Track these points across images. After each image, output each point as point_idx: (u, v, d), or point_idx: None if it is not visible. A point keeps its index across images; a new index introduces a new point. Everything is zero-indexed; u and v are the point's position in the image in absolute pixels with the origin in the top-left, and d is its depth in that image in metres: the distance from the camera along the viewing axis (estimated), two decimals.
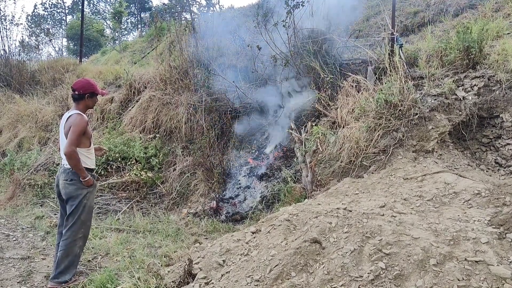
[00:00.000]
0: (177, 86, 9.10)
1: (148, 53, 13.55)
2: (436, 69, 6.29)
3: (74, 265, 4.48)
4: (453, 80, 6.03)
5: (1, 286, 4.28)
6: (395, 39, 6.55)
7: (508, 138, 5.67)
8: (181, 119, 8.54)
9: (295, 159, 6.61)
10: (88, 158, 4.60)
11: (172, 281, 3.99)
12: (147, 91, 9.73)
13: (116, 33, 27.63)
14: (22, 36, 29.30)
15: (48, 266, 5.09)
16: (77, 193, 4.46)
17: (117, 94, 10.59)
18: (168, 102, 8.92)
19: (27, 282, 4.64)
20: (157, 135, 8.87)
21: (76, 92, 4.53)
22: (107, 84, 11.50)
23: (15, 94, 12.49)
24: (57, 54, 20.39)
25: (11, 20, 14.38)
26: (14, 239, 6.20)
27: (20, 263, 5.20)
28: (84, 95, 4.54)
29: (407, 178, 4.90)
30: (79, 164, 4.37)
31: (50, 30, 23.66)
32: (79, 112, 4.47)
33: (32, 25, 23.49)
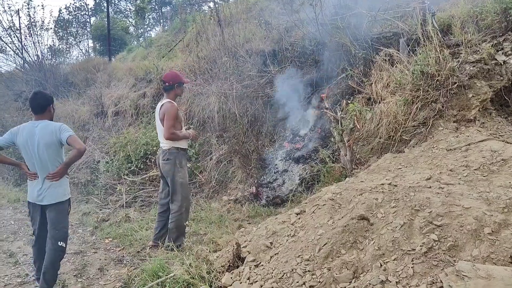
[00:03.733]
0: (207, 76, 9.15)
1: (174, 46, 13.64)
2: (472, 35, 6.04)
3: (182, 233, 5.28)
4: (492, 45, 5.78)
5: (59, 279, 4.45)
6: (427, 8, 6.33)
7: None
8: (213, 108, 8.59)
9: (331, 139, 6.54)
10: (181, 140, 5.29)
11: (222, 266, 4.06)
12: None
13: (140, 30, 27.93)
14: (53, 40, 30.04)
15: (100, 259, 5.28)
16: (172, 171, 5.19)
17: (149, 89, 10.76)
18: (199, 92, 8.99)
19: (82, 274, 4.83)
20: (191, 126, 8.96)
21: (167, 84, 5.25)
22: (138, 80, 11.69)
23: None
24: (84, 56, 20.82)
25: (41, 25, 14.73)
26: None
27: (73, 257, 5.42)
28: (174, 85, 5.24)
29: (450, 149, 4.78)
30: (180, 137, 5.21)
31: (78, 31, 24.13)
32: (170, 101, 5.18)
33: (59, 30, 24.02)
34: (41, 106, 4.16)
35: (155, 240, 5.37)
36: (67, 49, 16.12)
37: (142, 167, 8.65)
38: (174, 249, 4.70)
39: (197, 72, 9.39)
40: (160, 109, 5.20)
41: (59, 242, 4.18)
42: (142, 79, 11.67)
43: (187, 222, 5.32)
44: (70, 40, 20.31)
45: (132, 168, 8.73)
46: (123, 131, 10.25)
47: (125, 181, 8.38)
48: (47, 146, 4.08)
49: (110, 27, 17.82)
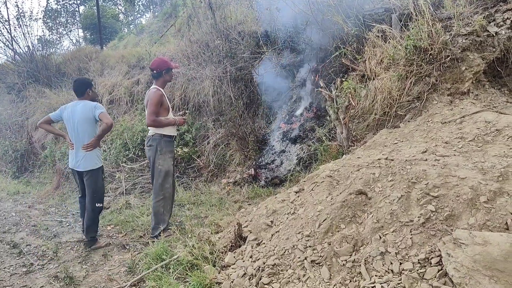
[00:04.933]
0: (200, 60, 9.11)
1: (166, 31, 13.53)
2: (464, 7, 6.02)
3: (163, 221, 5.20)
4: (484, 16, 5.77)
5: (64, 267, 4.52)
6: None
7: None
8: (208, 92, 8.58)
9: (327, 118, 6.57)
10: (166, 127, 5.26)
11: (224, 246, 4.13)
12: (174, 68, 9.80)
13: (131, 17, 27.62)
14: (43, 31, 29.70)
15: (103, 247, 5.34)
16: (153, 157, 5.22)
17: (142, 76, 10.71)
18: (193, 77, 8.96)
19: (87, 261, 4.90)
20: (186, 111, 8.95)
21: (155, 71, 5.23)
22: (131, 67, 11.62)
23: (44, 88, 12.81)
24: (75, 46, 20.62)
25: (30, 16, 14.53)
26: (67, 224, 6.52)
27: (77, 245, 5.48)
28: (162, 72, 5.22)
29: (445, 122, 4.82)
30: (164, 124, 5.18)
31: (67, 21, 23.85)
32: (155, 87, 5.18)
33: (48, 20, 23.69)
34: (80, 90, 5.21)
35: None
36: (58, 39, 15.90)
37: (140, 154, 8.67)
38: (150, 242, 4.92)
39: (190, 56, 9.33)
40: (147, 95, 5.29)
41: (96, 204, 5.22)
42: (135, 66, 11.61)
43: (164, 211, 5.24)
44: (60, 30, 20.08)
45: (130, 156, 8.75)
46: (119, 118, 10.25)
47: (124, 169, 8.42)
48: (84, 121, 5.05)
49: (100, 15, 17.60)
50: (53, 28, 19.06)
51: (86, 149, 5.06)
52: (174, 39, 11.78)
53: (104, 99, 10.96)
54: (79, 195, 5.52)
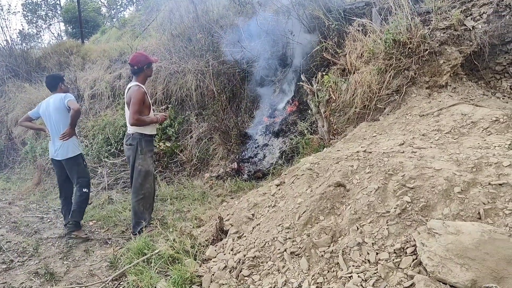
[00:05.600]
0: (182, 54, 9.06)
1: (148, 25, 13.40)
2: (442, 1, 6.12)
3: (143, 219, 5.12)
4: (461, 11, 5.88)
5: (46, 263, 4.49)
6: None
7: None
8: (190, 86, 8.55)
9: (309, 111, 6.63)
10: (147, 126, 5.12)
11: (206, 240, 4.16)
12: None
13: (113, 11, 27.23)
14: (22, 25, 29.10)
15: (85, 242, 5.32)
16: (132, 157, 5.09)
17: (124, 70, 10.60)
18: (175, 71, 8.91)
19: (68, 257, 4.87)
20: (169, 105, 8.93)
21: (136, 67, 5.04)
22: (112, 62, 11.49)
23: (24, 83, 12.58)
24: (56, 40, 20.27)
25: (8, 9, 14.23)
26: (48, 220, 6.45)
27: (58, 241, 5.44)
28: (143, 67, 5.05)
29: (423, 115, 4.91)
30: (147, 122, 5.03)
31: (47, 14, 23.41)
32: (137, 83, 5.00)
33: (28, 13, 23.22)
34: (52, 85, 5.53)
35: None
36: (38, 33, 15.60)
37: (122, 149, 8.61)
38: (132, 237, 4.87)
39: (172, 50, 9.28)
40: (127, 92, 5.04)
41: (83, 189, 5.46)
42: (117, 60, 11.48)
43: (143, 209, 5.17)
44: (40, 23, 19.71)
45: (112, 151, 8.70)
46: (101, 113, 10.14)
47: (106, 164, 8.36)
48: (57, 111, 5.32)
49: (81, 9, 17.34)
50: (33, 21, 18.67)
51: (63, 138, 5.33)
52: (156, 33, 11.68)
53: (85, 94, 10.83)
54: (59, 188, 5.75)
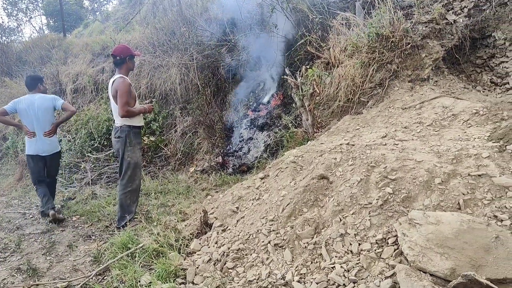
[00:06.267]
0: (166, 47, 8.99)
1: (132, 19, 13.25)
2: None
3: (129, 212, 5.14)
4: (443, 5, 5.95)
5: (28, 259, 4.43)
6: None
7: (502, 56, 5.68)
8: (174, 80, 8.49)
9: (293, 105, 6.65)
10: (135, 117, 5.11)
11: (190, 233, 4.15)
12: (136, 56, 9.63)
13: (96, 4, 26.85)
14: (1, 18, 28.51)
15: (68, 237, 5.26)
16: (121, 149, 5.06)
17: (107, 64, 10.48)
18: (159, 65, 8.84)
19: (51, 252, 4.81)
20: (153, 99, 8.86)
21: (118, 58, 5.02)
22: (95, 55, 11.35)
23: (4, 78, 12.34)
24: (38, 33, 19.91)
25: None
26: (30, 216, 6.36)
27: (41, 237, 5.36)
28: (125, 58, 5.04)
29: (405, 108, 4.97)
30: (136, 113, 5.03)
31: (28, 7, 22.96)
32: (122, 75, 4.97)
33: (8, 6, 22.74)
34: (32, 85, 5.80)
35: None
36: (18, 26, 15.31)
37: (105, 143, 8.53)
38: (116, 230, 4.91)
39: (156, 44, 9.19)
40: (112, 85, 4.98)
41: (57, 178, 6.31)
42: (99, 54, 11.34)
43: (130, 202, 5.16)
44: (21, 16, 19.33)
45: (95, 145, 8.60)
46: (84, 108, 10.01)
47: (89, 159, 8.27)
48: (45, 111, 5.66)
49: (62, 1, 17.04)
50: (13, 14, 18.31)
51: (49, 135, 5.72)
52: (140, 26, 11.55)
53: (67, 88, 10.68)
54: (37, 182, 5.93)
